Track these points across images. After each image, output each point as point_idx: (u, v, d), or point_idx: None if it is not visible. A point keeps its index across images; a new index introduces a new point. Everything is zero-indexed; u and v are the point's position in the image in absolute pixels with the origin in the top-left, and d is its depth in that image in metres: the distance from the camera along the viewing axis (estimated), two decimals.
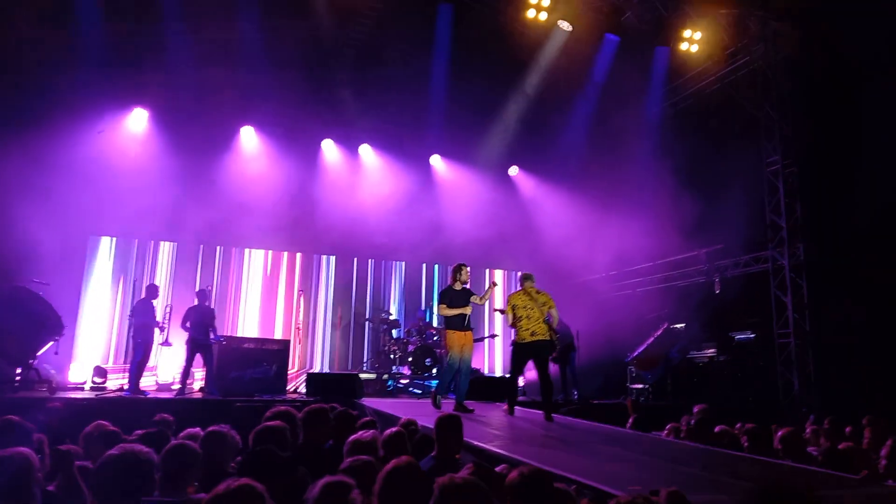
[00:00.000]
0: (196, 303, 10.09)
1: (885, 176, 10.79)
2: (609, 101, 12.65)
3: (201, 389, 10.06)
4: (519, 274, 8.14)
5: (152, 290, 9.84)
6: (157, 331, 9.68)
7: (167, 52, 10.84)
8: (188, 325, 9.72)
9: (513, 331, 7.37)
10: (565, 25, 11.02)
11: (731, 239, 11.74)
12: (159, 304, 10.04)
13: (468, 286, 7.83)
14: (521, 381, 14.10)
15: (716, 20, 11.15)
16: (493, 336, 14.23)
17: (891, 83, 11.01)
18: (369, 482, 2.48)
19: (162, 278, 12.54)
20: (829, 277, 10.64)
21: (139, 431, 4.23)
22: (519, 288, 7.50)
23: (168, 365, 11.71)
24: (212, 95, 11.55)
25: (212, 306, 10.35)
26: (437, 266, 15.17)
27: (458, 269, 7.75)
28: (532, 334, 7.12)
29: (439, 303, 7.69)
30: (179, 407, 8.21)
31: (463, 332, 7.52)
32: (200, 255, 12.97)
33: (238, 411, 7.08)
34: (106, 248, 12.19)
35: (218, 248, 13.10)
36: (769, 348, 11.22)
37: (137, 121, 11.94)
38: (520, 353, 7.25)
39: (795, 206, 11.13)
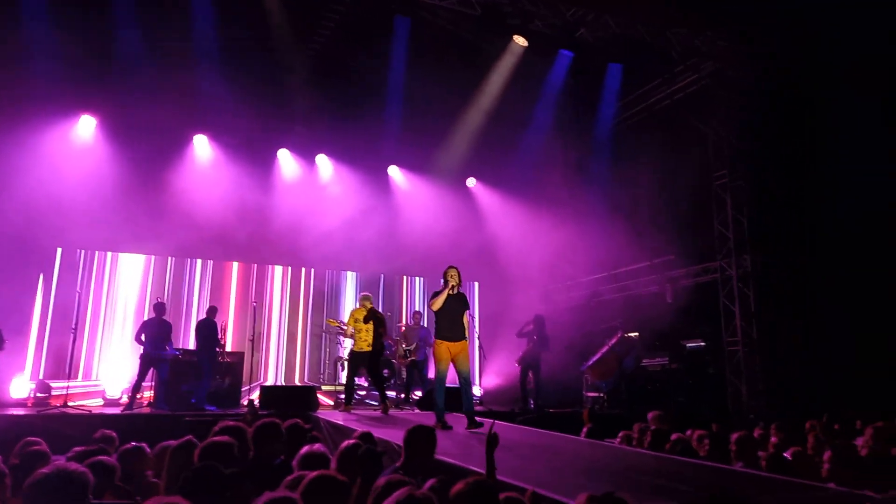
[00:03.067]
0: (153, 316, 9.84)
1: (826, 188, 11.28)
2: (564, 115, 12.88)
3: (149, 404, 9.77)
4: (360, 294, 9.46)
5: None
6: None
7: (117, 58, 10.58)
8: (143, 338, 9.48)
9: (351, 341, 8.98)
10: (521, 41, 11.18)
11: (681, 250, 12.06)
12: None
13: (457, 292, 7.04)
14: (479, 392, 14.31)
15: (666, 38, 11.47)
16: None
17: (830, 101, 11.56)
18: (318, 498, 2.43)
19: (110, 290, 12.18)
20: (775, 286, 11.01)
21: (78, 448, 4.07)
22: (359, 305, 9.11)
23: (116, 380, 11.36)
24: (164, 103, 11.31)
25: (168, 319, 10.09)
26: (396, 278, 15.14)
27: (446, 272, 7.07)
28: (369, 345, 8.80)
29: (430, 299, 7.07)
30: (126, 423, 7.98)
31: (455, 343, 6.84)
32: (151, 266, 12.65)
33: (188, 426, 6.89)
34: (51, 259, 11.77)
35: (169, 259, 12.79)
36: (719, 356, 11.52)
37: (85, 128, 11.59)
38: (358, 361, 8.88)
39: (742, 218, 11.50)
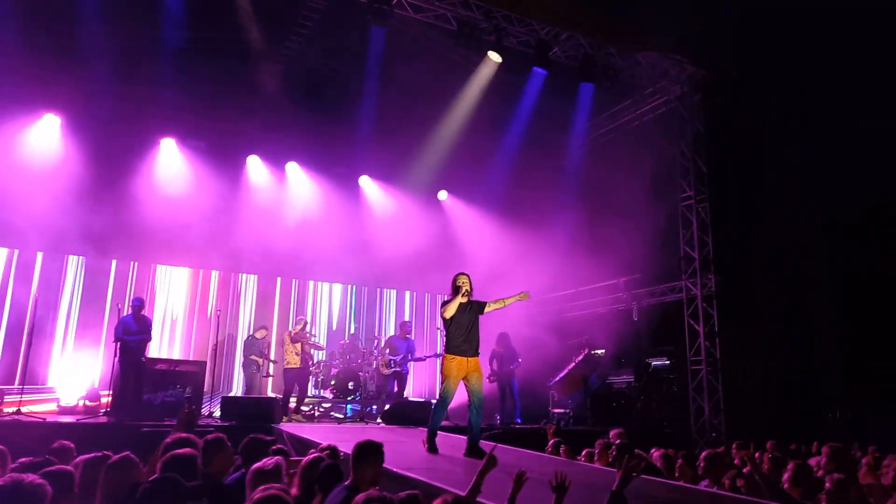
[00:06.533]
0: (129, 312, 9.54)
1: (784, 210, 11.64)
2: (536, 131, 13.02)
3: (106, 413, 9.46)
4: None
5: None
6: None
7: (83, 55, 10.32)
8: (121, 334, 9.13)
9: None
10: (495, 56, 11.28)
11: (648, 269, 12.22)
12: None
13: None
14: None
15: (636, 61, 11.70)
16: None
17: (787, 125, 11.97)
18: None
19: (68, 294, 11.85)
20: (737, 307, 11.23)
21: (24, 460, 3.89)
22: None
23: (71, 386, 11.00)
24: (131, 104, 11.10)
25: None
26: (366, 289, 15.04)
27: (456, 278, 6.32)
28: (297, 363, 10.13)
29: (441, 307, 6.36)
30: (81, 432, 7.72)
31: (465, 358, 6.13)
32: (113, 270, 12.34)
33: (144, 437, 6.70)
34: (7, 261, 11.42)
35: (132, 263, 12.50)
36: (683, 375, 11.68)
37: (49, 127, 11.28)
38: (289, 376, 10.21)
39: (707, 239, 11.72)
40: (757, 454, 6.51)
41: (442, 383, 6.19)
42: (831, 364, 11.43)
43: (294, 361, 10.63)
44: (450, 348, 6.17)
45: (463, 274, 6.32)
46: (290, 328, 10.71)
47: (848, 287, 11.35)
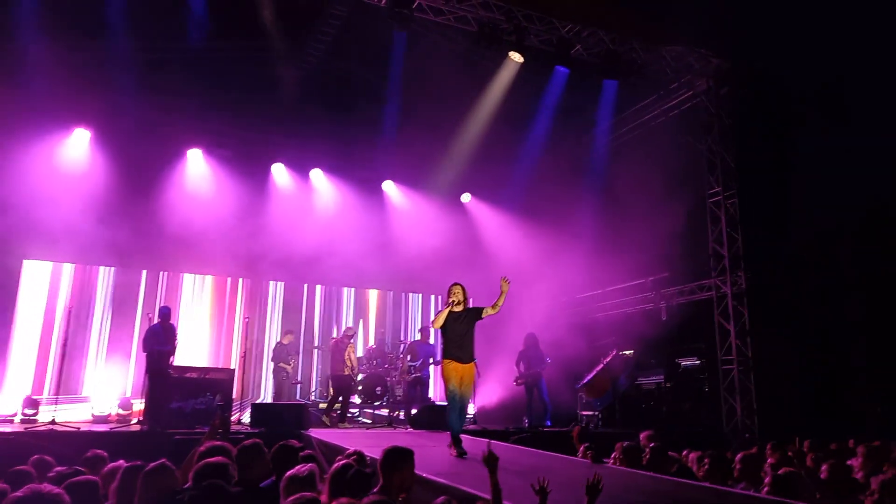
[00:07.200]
0: (157, 321, 9.65)
1: (813, 206, 11.34)
2: (560, 131, 12.91)
3: (139, 422, 9.60)
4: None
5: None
6: None
7: (110, 70, 10.52)
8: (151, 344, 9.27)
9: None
10: (516, 57, 11.22)
11: (676, 267, 12.03)
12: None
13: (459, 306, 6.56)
14: (472, 409, 14.17)
15: (661, 55, 11.54)
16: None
17: (819, 117, 11.64)
18: None
19: (100, 304, 12.06)
20: (768, 304, 10.99)
21: (59, 469, 3.96)
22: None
23: (105, 395, 11.19)
24: (158, 116, 11.28)
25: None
26: (391, 293, 15.05)
27: (449, 289, 6.68)
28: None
29: (435, 318, 6.72)
30: (115, 441, 7.85)
31: (462, 365, 6.46)
32: (143, 280, 12.53)
33: (177, 445, 6.77)
34: (40, 273, 11.66)
35: (161, 273, 12.68)
36: (714, 374, 11.46)
37: (78, 141, 11.51)
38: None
39: (736, 236, 11.50)
40: (790, 453, 6.36)
41: (445, 387, 6.55)
42: (867, 361, 11.12)
43: (340, 368, 10.75)
44: (447, 353, 6.57)
45: (456, 285, 6.66)
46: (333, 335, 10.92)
47: (882, 283, 11.03)
